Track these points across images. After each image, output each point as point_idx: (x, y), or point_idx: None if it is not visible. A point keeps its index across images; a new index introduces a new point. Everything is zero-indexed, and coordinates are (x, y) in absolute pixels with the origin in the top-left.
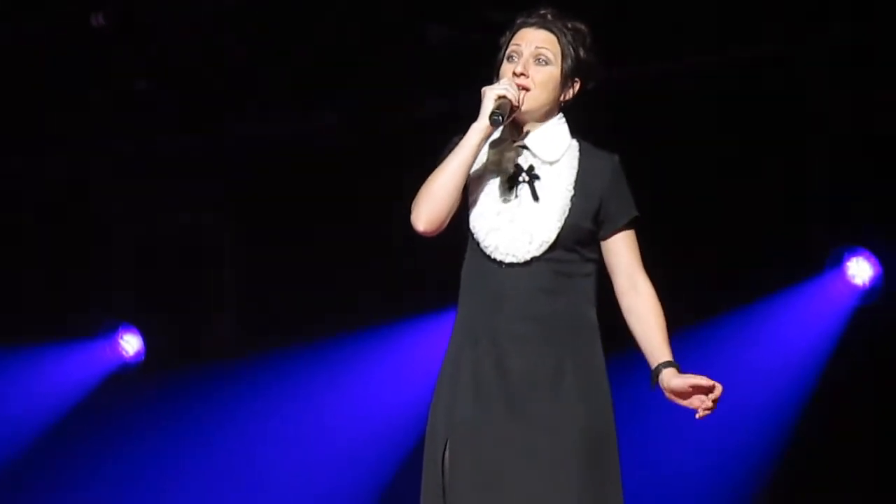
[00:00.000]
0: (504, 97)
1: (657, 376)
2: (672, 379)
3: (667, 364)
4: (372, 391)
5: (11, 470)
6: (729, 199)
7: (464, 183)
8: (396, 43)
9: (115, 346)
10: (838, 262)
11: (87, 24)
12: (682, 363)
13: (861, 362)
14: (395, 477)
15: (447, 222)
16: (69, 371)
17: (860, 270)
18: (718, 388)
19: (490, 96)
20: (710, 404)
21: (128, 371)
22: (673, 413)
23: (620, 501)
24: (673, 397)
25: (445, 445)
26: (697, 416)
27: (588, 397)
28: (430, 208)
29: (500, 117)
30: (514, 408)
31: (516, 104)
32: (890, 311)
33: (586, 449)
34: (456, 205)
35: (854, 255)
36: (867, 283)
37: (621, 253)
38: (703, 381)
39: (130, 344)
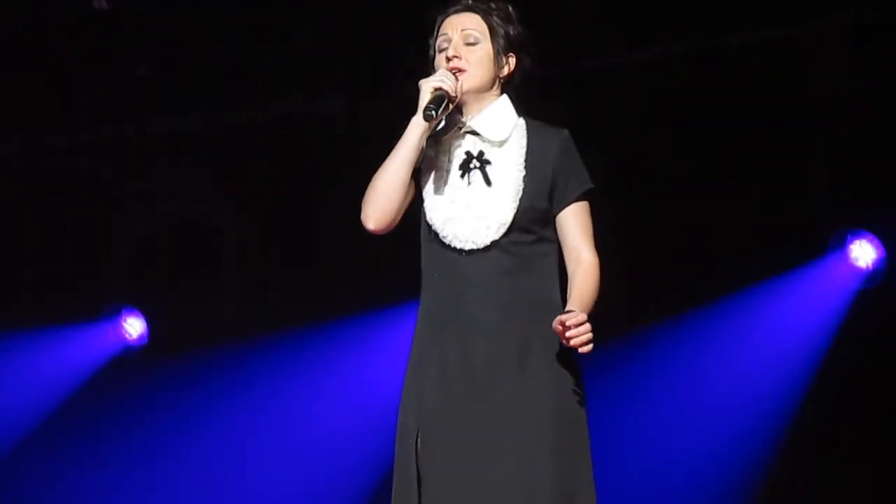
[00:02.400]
0: (440, 88)
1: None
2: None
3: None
4: (377, 373)
5: (15, 452)
6: (732, 182)
7: (409, 178)
8: (397, 25)
9: (119, 330)
10: (841, 245)
11: (89, 6)
12: (686, 344)
13: (864, 344)
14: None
15: (398, 218)
16: (73, 354)
17: (863, 253)
18: (567, 319)
19: (426, 89)
20: (567, 338)
21: (131, 354)
22: (674, 396)
23: (590, 477)
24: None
25: (417, 435)
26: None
27: (555, 376)
28: (377, 206)
29: (434, 111)
30: (481, 392)
31: (454, 94)
32: (893, 294)
33: (555, 427)
34: (405, 200)
35: (857, 238)
36: (870, 265)
37: (570, 226)
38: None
39: (134, 327)
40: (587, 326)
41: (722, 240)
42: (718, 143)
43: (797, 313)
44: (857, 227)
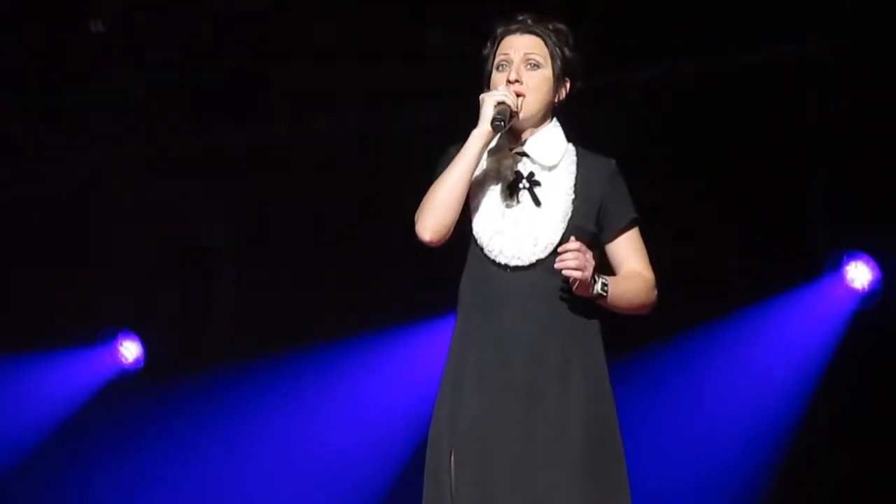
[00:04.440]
0: (503, 102)
1: None
2: None
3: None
4: (373, 396)
5: (11, 476)
6: (729, 203)
7: (466, 190)
8: (396, 47)
9: (115, 353)
10: (838, 266)
11: (87, 29)
12: (684, 366)
13: (860, 366)
14: (395, 482)
15: (452, 231)
16: (69, 378)
17: (859, 274)
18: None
19: (489, 102)
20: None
21: (127, 378)
22: (674, 417)
23: (626, 496)
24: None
25: (451, 453)
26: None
27: (592, 395)
28: (435, 218)
29: (503, 122)
30: (520, 407)
31: (515, 109)
32: (889, 315)
33: (591, 445)
34: (458, 213)
35: (853, 259)
36: (866, 286)
37: (624, 254)
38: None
39: (130, 351)
40: (579, 253)
41: (719, 261)
42: (715, 165)
43: (794, 335)
44: (854, 249)
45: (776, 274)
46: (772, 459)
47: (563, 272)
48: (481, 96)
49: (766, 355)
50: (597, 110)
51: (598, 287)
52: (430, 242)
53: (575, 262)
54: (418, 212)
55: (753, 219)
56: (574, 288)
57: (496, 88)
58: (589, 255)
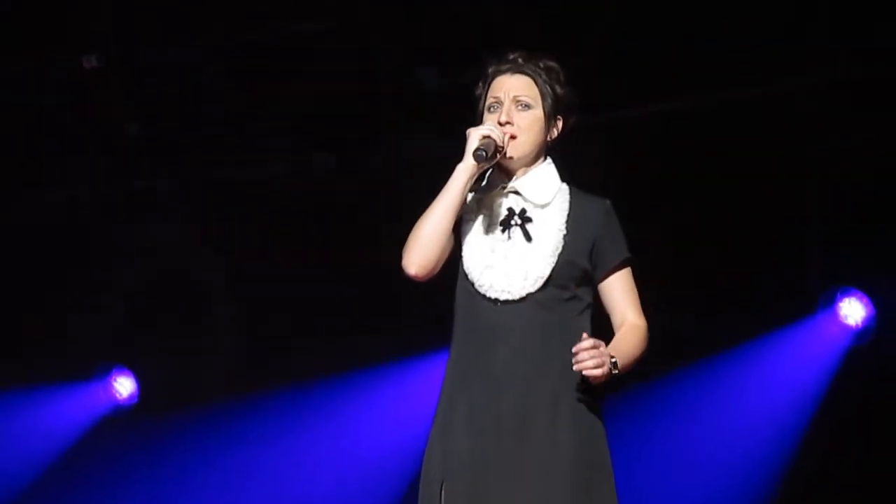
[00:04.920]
0: (489, 137)
1: None
2: None
3: None
4: (367, 432)
5: None
6: (723, 239)
7: (452, 224)
8: (390, 85)
9: (109, 389)
10: (831, 303)
11: (80, 66)
12: (677, 401)
13: (854, 402)
14: None
15: (440, 265)
16: (63, 413)
17: (853, 311)
18: (579, 346)
19: (475, 136)
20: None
21: (121, 413)
22: (667, 453)
23: None
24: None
25: (441, 486)
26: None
27: (582, 431)
28: (420, 252)
29: (484, 153)
30: (509, 445)
31: (501, 144)
32: (882, 352)
33: (580, 481)
34: (447, 247)
35: (847, 296)
36: (860, 323)
37: (616, 294)
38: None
39: (124, 386)
40: (596, 351)
41: (712, 297)
42: (710, 202)
43: (787, 371)
44: (847, 286)
45: (770, 310)
46: (766, 496)
47: (584, 373)
48: (468, 130)
49: (760, 391)
50: (591, 144)
51: (611, 369)
52: (417, 277)
53: (592, 361)
54: (405, 246)
55: (747, 254)
56: (591, 379)
57: (486, 121)
58: (602, 346)
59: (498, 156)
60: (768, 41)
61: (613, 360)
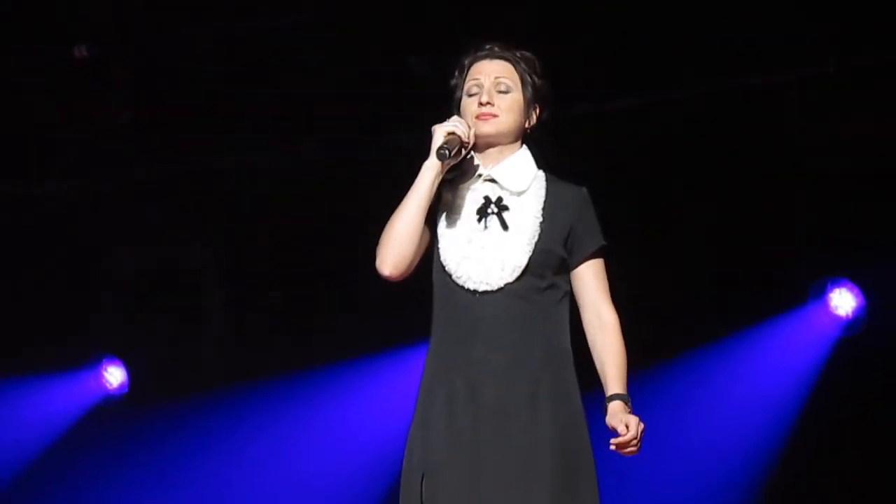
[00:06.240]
0: (453, 133)
1: (606, 406)
2: (609, 417)
3: (613, 398)
4: (355, 422)
5: None
6: (713, 230)
7: (423, 222)
8: (379, 73)
9: (99, 378)
10: (821, 293)
11: (71, 55)
12: (667, 393)
13: (844, 393)
14: None
15: (414, 264)
16: (53, 403)
17: (843, 301)
18: (619, 441)
19: (439, 133)
20: (616, 447)
21: (112, 403)
22: (656, 443)
23: None
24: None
25: (422, 480)
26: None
27: (561, 422)
28: (392, 252)
29: (447, 151)
30: (488, 435)
31: (466, 140)
32: (873, 342)
33: (558, 471)
34: (421, 245)
35: (837, 286)
36: (850, 314)
37: (588, 283)
38: (620, 432)
39: (114, 376)
40: (635, 437)
41: (702, 288)
42: (699, 192)
43: (777, 362)
44: (837, 276)
45: (760, 301)
46: (755, 487)
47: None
48: (433, 127)
49: (751, 382)
50: (581, 135)
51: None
52: (391, 277)
53: (636, 448)
54: (378, 248)
55: (737, 245)
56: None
57: (463, 114)
58: (641, 427)
59: (463, 152)
60: (759, 32)
61: (627, 397)
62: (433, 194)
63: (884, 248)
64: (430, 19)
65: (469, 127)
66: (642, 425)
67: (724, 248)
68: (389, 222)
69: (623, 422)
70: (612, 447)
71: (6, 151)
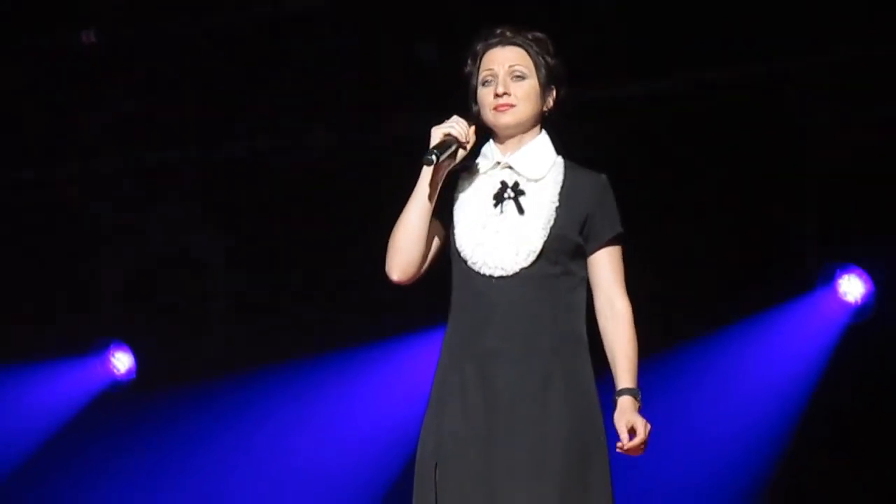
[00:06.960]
0: (449, 134)
1: (616, 400)
2: (616, 417)
3: (623, 392)
4: (363, 410)
5: (1, 487)
6: (721, 218)
7: (427, 225)
8: (390, 61)
9: (107, 364)
10: (830, 280)
11: (78, 40)
12: (675, 379)
13: (853, 379)
14: (385, 498)
15: (424, 267)
16: (61, 388)
17: (852, 288)
18: (624, 446)
19: (436, 135)
20: (622, 449)
21: (119, 389)
22: (666, 430)
23: None
24: None
25: (436, 466)
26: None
27: (575, 408)
28: (399, 258)
29: (435, 157)
30: (501, 423)
31: (465, 140)
32: (881, 328)
33: (571, 458)
34: (428, 247)
35: (846, 273)
36: (859, 300)
37: (603, 270)
38: (623, 436)
39: (122, 362)
40: (642, 441)
41: (710, 275)
42: (706, 179)
43: (786, 348)
44: (846, 262)
45: (769, 287)
46: (764, 473)
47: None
48: (432, 129)
49: (759, 369)
50: (588, 123)
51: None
52: (400, 282)
53: (643, 449)
54: (387, 252)
55: (745, 232)
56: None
57: (480, 105)
58: (640, 425)
59: (460, 152)
60: (768, 20)
61: (637, 391)
62: (435, 195)
63: (893, 235)
64: (438, 5)
65: (469, 126)
66: (649, 426)
67: (732, 235)
68: (394, 229)
69: (629, 424)
70: (619, 450)
71: (14, 137)
